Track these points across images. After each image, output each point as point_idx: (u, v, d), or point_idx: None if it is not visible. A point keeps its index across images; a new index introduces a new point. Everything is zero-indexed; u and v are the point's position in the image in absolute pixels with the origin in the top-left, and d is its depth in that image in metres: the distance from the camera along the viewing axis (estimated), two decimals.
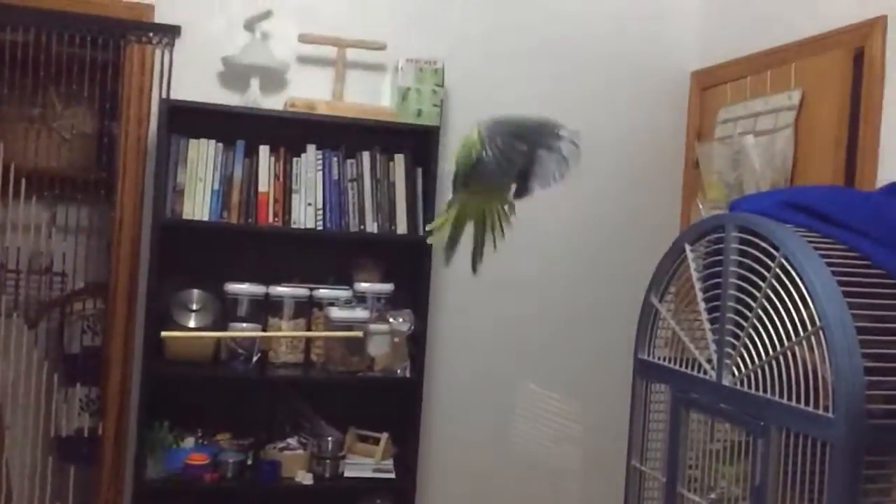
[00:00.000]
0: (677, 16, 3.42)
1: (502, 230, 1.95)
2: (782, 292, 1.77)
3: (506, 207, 1.92)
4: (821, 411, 1.63)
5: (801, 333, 1.71)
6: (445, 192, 3.17)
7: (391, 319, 2.94)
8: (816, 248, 1.78)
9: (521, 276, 3.31)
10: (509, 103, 3.25)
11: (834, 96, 2.56)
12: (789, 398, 1.73)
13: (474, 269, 1.99)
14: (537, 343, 3.35)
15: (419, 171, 3.05)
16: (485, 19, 3.27)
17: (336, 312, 2.85)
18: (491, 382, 3.31)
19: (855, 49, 2.51)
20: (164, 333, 2.47)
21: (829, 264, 1.74)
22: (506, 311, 3.31)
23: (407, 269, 3.05)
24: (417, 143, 3.05)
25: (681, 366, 2.17)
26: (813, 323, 1.68)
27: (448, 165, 2.09)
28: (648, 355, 2.31)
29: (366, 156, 3.01)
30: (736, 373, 1.91)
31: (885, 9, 2.42)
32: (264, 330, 2.89)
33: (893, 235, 1.80)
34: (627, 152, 3.41)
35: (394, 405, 3.07)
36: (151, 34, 2.91)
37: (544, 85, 3.31)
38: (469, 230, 1.92)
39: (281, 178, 2.93)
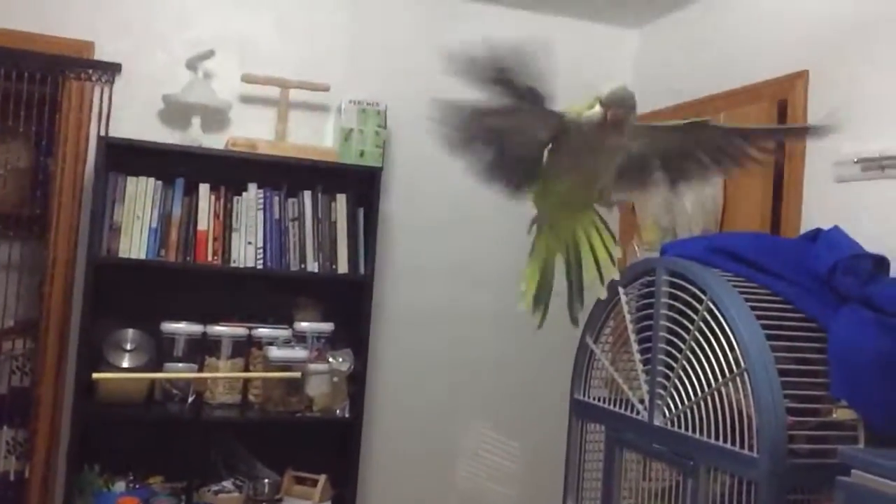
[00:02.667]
0: (613, 64, 3.53)
1: (610, 254, 1.70)
2: (709, 335, 1.82)
3: (603, 225, 1.69)
4: (746, 451, 1.68)
5: (727, 375, 1.76)
6: (387, 232, 3.21)
7: (331, 359, 2.93)
8: (742, 293, 1.84)
9: (461, 316, 3.34)
10: None
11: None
12: (717, 438, 1.78)
13: (574, 318, 1.76)
14: (476, 382, 3.37)
15: (361, 211, 3.07)
16: (428, 61, 3.32)
17: (275, 352, 2.83)
18: (430, 422, 3.32)
19: (779, 101, 2.63)
20: (95, 375, 2.41)
21: (754, 308, 1.81)
22: (445, 350, 3.33)
23: (347, 308, 3.05)
24: (360, 183, 3.07)
25: (615, 406, 2.21)
26: (738, 365, 1.74)
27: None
28: (584, 395, 2.35)
29: (307, 195, 3.02)
30: (667, 413, 1.96)
31: (806, 64, 2.55)
32: (201, 370, 2.85)
33: (814, 281, 1.88)
34: None
35: (332, 446, 3.05)
36: (91, 71, 2.89)
37: None
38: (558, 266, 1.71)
39: (221, 217, 2.91)
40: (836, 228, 2.09)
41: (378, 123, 3.08)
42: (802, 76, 2.55)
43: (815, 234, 2.11)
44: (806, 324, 1.85)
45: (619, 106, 1.42)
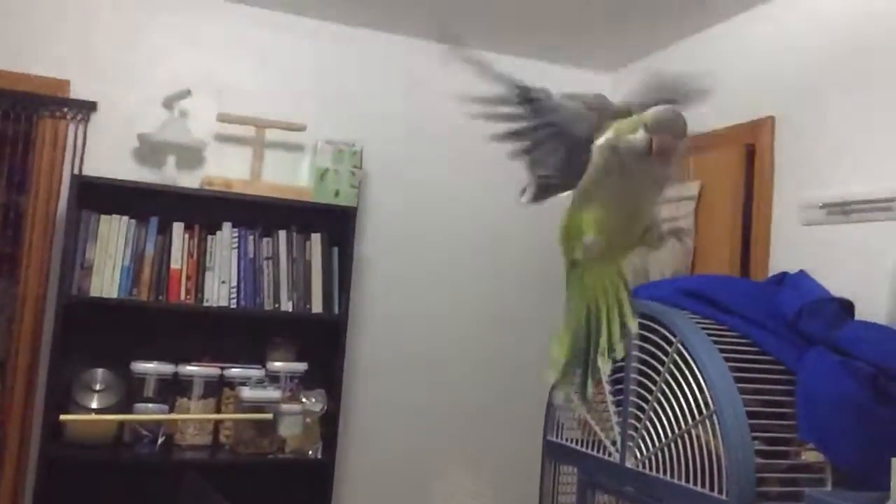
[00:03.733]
0: None
1: (623, 326, 1.32)
2: (679, 377, 1.84)
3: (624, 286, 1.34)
4: (715, 493, 1.69)
5: (697, 417, 1.78)
6: (362, 271, 3.22)
7: (304, 399, 2.91)
8: (710, 335, 1.87)
9: (435, 358, 3.34)
10: (427, 186, 3.37)
11: (729, 188, 2.72)
12: (687, 480, 1.78)
13: (584, 395, 1.36)
14: (450, 424, 3.36)
15: (335, 250, 3.08)
16: (403, 103, 3.37)
17: (247, 392, 2.81)
18: (404, 464, 3.29)
19: (746, 145, 2.69)
20: (63, 416, 2.38)
21: (723, 350, 1.83)
22: (419, 391, 3.32)
23: (321, 348, 3.04)
24: (334, 223, 3.08)
25: (588, 448, 2.21)
26: (707, 407, 1.75)
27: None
28: (557, 437, 2.35)
29: (282, 235, 3.03)
30: (638, 455, 1.96)
31: (772, 110, 2.61)
32: (171, 410, 2.82)
33: (780, 324, 1.91)
34: (540, 236, 3.50)
35: (305, 488, 3.01)
36: (65, 109, 2.89)
37: (462, 167, 3.41)
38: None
39: (195, 256, 2.91)
40: (801, 272, 2.14)
41: (353, 164, 3.10)
42: (769, 122, 2.62)
43: (782, 278, 2.15)
44: (774, 366, 1.87)
45: (666, 132, 1.18)
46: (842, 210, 2.28)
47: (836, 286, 2.09)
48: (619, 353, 1.32)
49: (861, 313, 2.02)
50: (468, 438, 3.38)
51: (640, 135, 1.20)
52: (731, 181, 2.71)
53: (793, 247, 2.47)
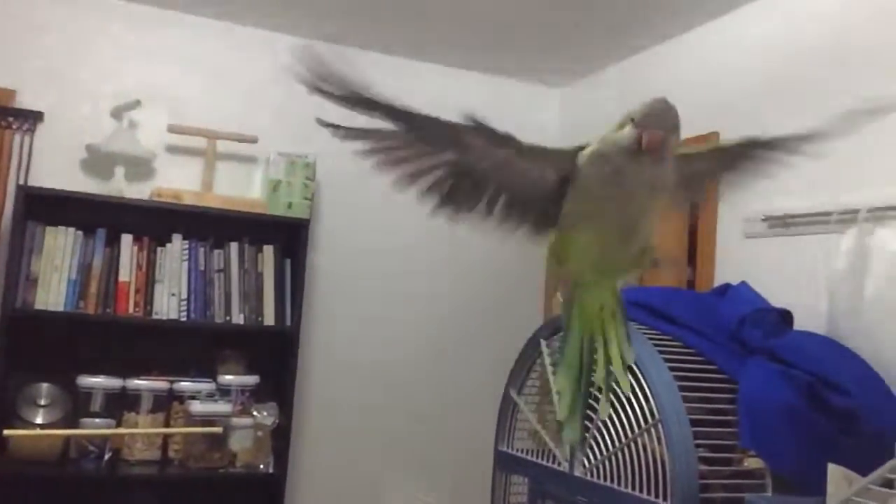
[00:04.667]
0: (536, 122, 3.63)
1: (623, 356, 1.21)
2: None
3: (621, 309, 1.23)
4: (660, 500, 1.72)
5: (643, 426, 1.81)
6: (315, 284, 3.21)
7: (255, 413, 2.89)
8: (657, 345, 1.91)
9: (387, 369, 3.35)
10: (380, 197, 3.37)
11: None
12: (633, 488, 1.82)
13: (576, 437, 1.28)
14: (403, 435, 3.36)
15: (288, 262, 3.07)
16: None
17: (197, 406, 2.78)
18: (357, 477, 3.28)
19: None
20: (6, 431, 2.33)
21: (668, 360, 1.87)
22: (373, 404, 3.32)
23: (273, 360, 3.02)
24: (287, 234, 3.07)
25: (538, 457, 2.23)
26: (653, 416, 1.79)
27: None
28: (508, 447, 2.37)
29: (234, 247, 3.01)
30: (586, 464, 1.99)
31: (717, 126, 2.68)
32: (119, 425, 2.77)
33: (723, 334, 1.96)
34: (491, 248, 3.54)
35: (256, 502, 2.98)
36: (11, 119, 2.84)
37: None
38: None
39: (144, 268, 2.87)
40: (743, 283, 2.19)
41: (307, 175, 3.10)
42: (714, 137, 2.68)
43: (724, 289, 2.20)
44: (718, 375, 1.91)
45: (656, 125, 1.04)
46: (783, 223, 2.35)
47: (777, 297, 2.15)
48: (626, 388, 1.24)
49: (800, 323, 2.09)
50: (422, 449, 3.38)
51: (628, 130, 1.06)
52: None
53: (737, 259, 2.53)
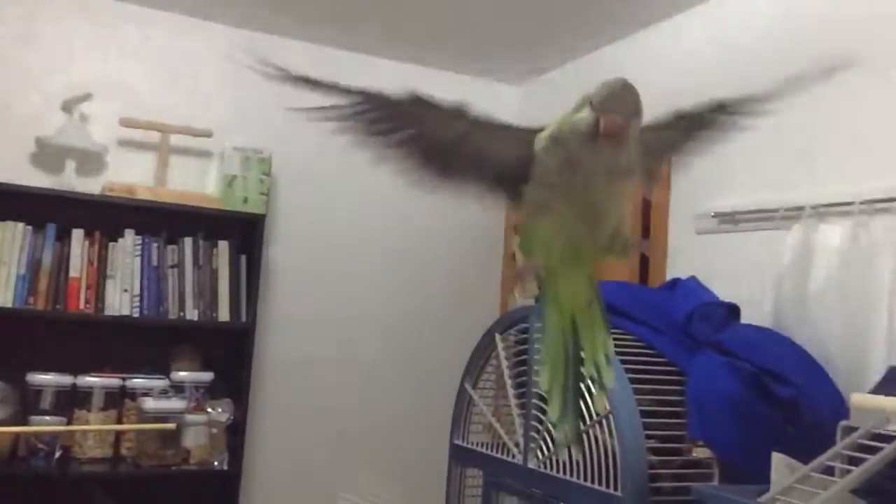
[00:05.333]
0: (494, 112, 3.66)
1: (605, 348, 1.15)
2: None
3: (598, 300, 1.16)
4: (611, 490, 1.76)
5: (595, 418, 1.84)
6: (271, 280, 3.20)
7: (209, 409, 2.87)
8: None
9: (343, 365, 3.34)
10: (338, 192, 3.38)
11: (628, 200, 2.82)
12: (586, 479, 1.84)
13: (572, 437, 1.19)
14: (359, 431, 3.36)
15: (243, 258, 3.05)
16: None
17: (150, 403, 2.75)
18: (313, 473, 3.28)
19: None
20: None
21: (620, 353, 1.90)
22: (328, 400, 3.31)
23: (228, 357, 3.00)
24: (243, 230, 3.05)
25: (493, 450, 2.26)
26: (604, 408, 1.82)
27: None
28: (463, 441, 2.39)
29: (188, 242, 2.98)
30: (540, 456, 2.02)
31: None
32: (70, 423, 2.73)
33: (673, 327, 2.00)
34: (448, 244, 3.56)
35: (211, 499, 2.96)
36: None
37: (371, 175, 3.42)
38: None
39: (95, 264, 2.83)
40: (692, 278, 2.24)
41: (262, 171, 3.08)
42: None
43: (674, 284, 2.25)
44: (668, 368, 1.96)
45: (616, 110, 0.97)
46: (731, 219, 2.40)
47: (726, 291, 2.20)
48: (610, 381, 1.15)
49: (747, 316, 2.14)
50: (378, 444, 3.38)
51: (585, 114, 0.98)
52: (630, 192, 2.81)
53: (687, 254, 2.58)
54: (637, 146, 1.02)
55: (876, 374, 1.79)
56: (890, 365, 1.77)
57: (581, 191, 1.02)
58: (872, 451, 1.47)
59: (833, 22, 2.21)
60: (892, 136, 1.99)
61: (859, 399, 1.64)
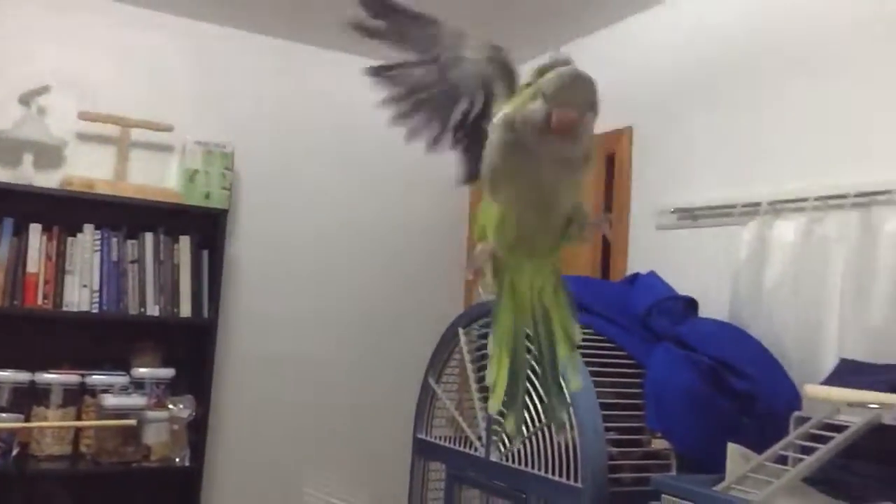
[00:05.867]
0: None
1: (569, 333, 1.14)
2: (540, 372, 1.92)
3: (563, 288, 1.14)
4: (571, 481, 1.78)
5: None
6: (233, 275, 3.18)
7: (171, 406, 2.84)
8: None
9: (306, 360, 3.33)
10: (301, 187, 3.36)
11: (591, 195, 2.85)
12: (547, 471, 1.87)
13: (559, 424, 1.24)
14: (323, 426, 3.36)
15: (205, 253, 3.03)
16: (277, 104, 3.35)
17: (110, 400, 2.72)
18: (275, 469, 3.26)
19: (607, 154, 2.83)
20: None
21: (580, 347, 1.91)
22: (290, 395, 3.30)
23: (190, 353, 2.98)
24: (205, 225, 3.03)
25: (456, 444, 2.27)
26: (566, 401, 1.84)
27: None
28: (426, 435, 2.40)
29: (149, 237, 2.95)
30: (502, 449, 2.04)
31: (631, 121, 2.76)
32: (27, 420, 2.69)
33: (633, 321, 2.03)
34: (413, 239, 3.57)
35: (172, 496, 2.94)
36: None
37: (334, 171, 3.43)
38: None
39: (53, 259, 2.79)
40: (652, 273, 2.28)
41: (225, 165, 3.06)
42: (627, 132, 2.77)
43: (634, 278, 2.28)
44: (628, 361, 1.99)
45: (569, 103, 0.92)
46: (691, 215, 2.44)
47: (686, 285, 2.24)
48: (574, 376, 1.15)
49: (705, 310, 2.18)
50: (341, 439, 3.38)
51: (538, 105, 0.93)
52: (593, 188, 2.85)
53: (648, 249, 2.62)
54: (591, 137, 0.97)
55: (828, 366, 1.84)
56: (841, 357, 1.83)
57: (532, 180, 0.99)
58: (824, 440, 1.52)
59: (789, 24, 2.26)
60: (844, 135, 2.04)
61: (812, 390, 1.68)
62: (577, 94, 0.93)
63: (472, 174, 1.10)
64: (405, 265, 3.55)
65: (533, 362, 1.14)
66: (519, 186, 1.00)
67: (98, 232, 2.87)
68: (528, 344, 1.13)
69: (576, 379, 1.17)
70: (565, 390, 1.14)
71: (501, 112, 1.01)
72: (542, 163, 0.96)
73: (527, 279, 1.10)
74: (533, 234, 1.05)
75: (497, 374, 1.09)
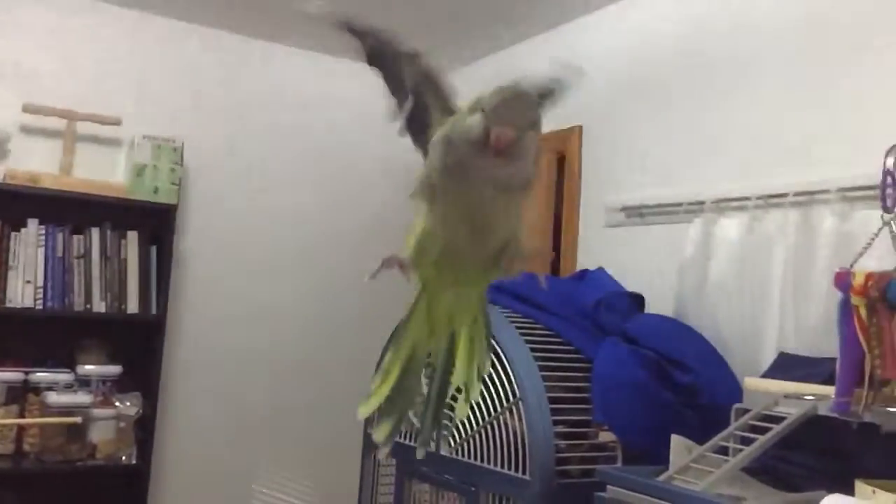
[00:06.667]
0: None
1: (479, 365, 1.09)
2: (490, 369, 1.94)
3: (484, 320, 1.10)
4: (520, 474, 1.81)
5: (505, 405, 1.89)
6: (183, 270, 3.14)
7: (117, 403, 2.80)
8: (519, 328, 1.99)
9: (256, 357, 3.31)
10: (252, 183, 3.34)
11: (542, 193, 2.88)
12: (497, 464, 1.89)
13: (433, 444, 1.17)
14: (272, 424, 3.34)
15: (153, 249, 2.99)
16: (227, 98, 3.31)
17: (54, 397, 2.67)
18: (224, 467, 3.23)
19: (558, 153, 2.87)
20: None
21: (530, 342, 1.95)
22: (240, 392, 3.28)
23: (137, 349, 2.94)
24: (153, 220, 2.99)
25: (407, 439, 2.28)
26: (514, 395, 1.87)
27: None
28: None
29: (95, 232, 2.90)
30: (452, 443, 2.06)
31: (581, 120, 2.80)
32: None
33: (581, 316, 2.07)
34: (362, 236, 3.55)
35: (118, 494, 2.89)
36: None
37: (286, 166, 3.41)
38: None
39: None
40: (600, 269, 2.32)
41: (174, 160, 3.02)
42: (577, 131, 2.81)
43: (583, 275, 2.32)
44: (576, 356, 2.02)
45: (509, 120, 0.86)
46: (639, 213, 2.49)
47: (633, 281, 2.29)
48: (476, 394, 1.11)
49: (652, 306, 2.22)
50: (291, 435, 3.36)
51: (476, 120, 0.88)
52: (543, 186, 2.88)
53: (597, 247, 2.66)
54: (534, 156, 0.92)
55: (768, 360, 1.89)
56: (780, 351, 1.88)
57: (467, 200, 0.92)
58: (763, 431, 1.57)
59: (733, 28, 2.31)
60: (785, 136, 2.10)
61: (752, 383, 1.73)
62: (518, 112, 0.88)
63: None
64: (355, 261, 3.53)
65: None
66: (450, 205, 0.95)
67: (42, 227, 2.82)
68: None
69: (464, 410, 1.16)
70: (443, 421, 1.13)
71: (440, 124, 0.96)
72: (477, 182, 0.91)
73: (446, 305, 1.05)
74: (460, 260, 0.99)
75: (380, 387, 1.07)
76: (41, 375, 2.74)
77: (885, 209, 1.50)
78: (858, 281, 1.39)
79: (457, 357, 1.07)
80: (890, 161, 1.50)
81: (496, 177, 0.90)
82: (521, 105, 0.89)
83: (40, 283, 2.78)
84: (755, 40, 2.23)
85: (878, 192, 1.52)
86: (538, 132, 0.91)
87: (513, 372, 1.88)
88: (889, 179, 1.50)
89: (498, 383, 1.91)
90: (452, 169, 0.91)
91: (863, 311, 1.39)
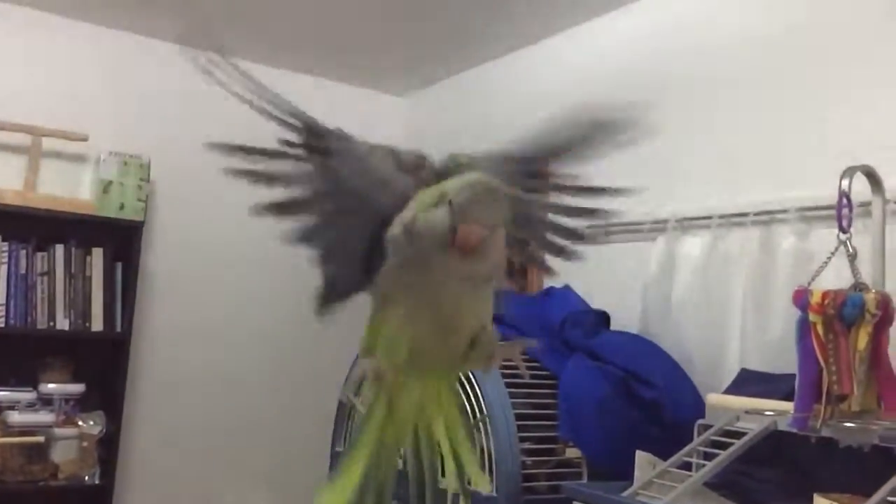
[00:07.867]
0: (383, 130, 3.68)
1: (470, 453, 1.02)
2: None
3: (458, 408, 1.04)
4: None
5: (472, 421, 1.90)
6: (149, 289, 3.11)
7: (80, 422, 2.77)
8: None
9: (223, 375, 3.28)
10: (219, 199, 3.31)
11: None
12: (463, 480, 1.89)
13: None
14: (239, 442, 3.30)
15: (119, 266, 2.96)
16: (195, 115, 3.29)
17: (15, 417, 2.63)
18: (188, 486, 3.19)
19: None
20: None
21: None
22: (205, 410, 3.24)
23: (101, 368, 2.90)
24: (120, 237, 2.96)
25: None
26: (482, 412, 1.88)
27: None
28: (344, 448, 2.40)
29: (59, 249, 2.87)
30: None
31: None
32: None
33: (548, 333, 2.09)
34: None
35: None
36: None
37: (251, 183, 3.39)
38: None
39: None
40: (566, 287, 2.34)
41: (141, 177, 3.00)
42: None
43: (549, 292, 2.34)
44: (543, 372, 2.04)
45: (476, 217, 0.82)
46: (604, 232, 2.52)
47: (599, 299, 2.32)
48: (487, 486, 1.05)
49: (617, 323, 2.25)
50: (258, 454, 3.34)
51: (441, 215, 0.83)
52: None
53: (563, 264, 2.67)
54: (501, 251, 0.88)
55: (730, 376, 1.93)
56: (742, 367, 1.92)
57: (430, 296, 0.89)
58: (725, 446, 1.59)
59: (697, 53, 2.37)
60: (746, 156, 2.15)
61: (714, 399, 1.76)
62: (488, 210, 0.83)
63: (332, 294, 1.00)
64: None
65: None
66: (414, 301, 0.91)
67: (5, 244, 2.78)
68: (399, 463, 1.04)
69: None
70: None
71: (401, 218, 0.90)
72: (442, 277, 0.87)
73: (411, 401, 0.97)
74: (428, 356, 0.94)
75: (340, 488, 0.95)
76: (3, 394, 2.70)
77: (842, 229, 1.54)
78: (816, 299, 1.43)
79: (444, 459, 1.01)
80: (845, 183, 1.55)
81: (462, 270, 0.86)
82: (490, 202, 0.84)
83: (2, 300, 2.74)
84: (717, 62, 2.28)
85: (835, 212, 1.57)
86: (505, 229, 0.86)
87: (479, 389, 1.89)
88: (845, 200, 1.54)
89: (465, 401, 1.92)
90: (417, 261, 0.87)
91: (820, 329, 1.42)
